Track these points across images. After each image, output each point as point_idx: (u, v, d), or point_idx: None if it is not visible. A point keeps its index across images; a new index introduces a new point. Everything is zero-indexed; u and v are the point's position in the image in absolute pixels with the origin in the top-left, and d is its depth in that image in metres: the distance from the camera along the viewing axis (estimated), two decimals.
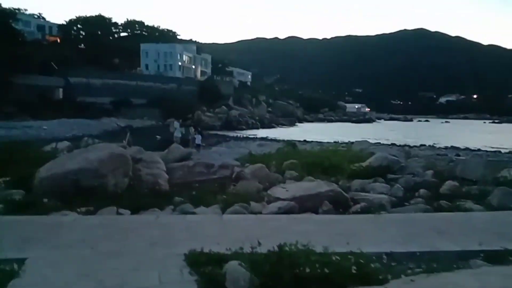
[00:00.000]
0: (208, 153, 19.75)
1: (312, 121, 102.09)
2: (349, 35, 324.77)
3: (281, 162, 14.06)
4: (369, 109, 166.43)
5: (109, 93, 61.05)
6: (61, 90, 57.70)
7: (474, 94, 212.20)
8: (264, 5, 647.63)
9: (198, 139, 22.91)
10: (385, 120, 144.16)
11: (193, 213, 7.36)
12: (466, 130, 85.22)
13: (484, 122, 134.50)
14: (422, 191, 9.03)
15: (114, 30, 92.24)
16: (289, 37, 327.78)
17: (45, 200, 7.82)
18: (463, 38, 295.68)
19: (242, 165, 13.59)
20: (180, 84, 73.25)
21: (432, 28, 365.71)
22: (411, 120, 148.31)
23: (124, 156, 9.43)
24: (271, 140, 36.53)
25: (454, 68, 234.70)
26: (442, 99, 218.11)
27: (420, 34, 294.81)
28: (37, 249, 5.11)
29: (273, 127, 72.89)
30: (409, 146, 32.14)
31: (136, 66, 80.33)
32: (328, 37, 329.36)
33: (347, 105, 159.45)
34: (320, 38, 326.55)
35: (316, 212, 7.53)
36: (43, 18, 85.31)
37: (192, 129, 27.91)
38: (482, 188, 8.88)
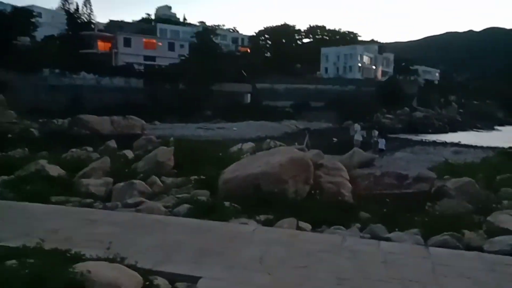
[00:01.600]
0: (393, 160, 17.68)
1: None
2: None
3: (492, 177, 11.16)
4: None
5: (291, 97, 64.13)
6: (249, 95, 63.34)
7: None
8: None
9: (382, 143, 20.94)
10: None
11: (388, 239, 5.91)
12: None
13: None
14: None
15: (297, 37, 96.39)
16: (487, 28, 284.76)
17: (227, 203, 7.60)
18: None
19: (439, 177, 11.35)
20: (359, 86, 71.22)
21: None
22: None
23: (305, 161, 8.64)
24: (469, 146, 30.87)
25: None
26: None
27: None
28: (212, 267, 4.58)
29: (466, 130, 63.63)
30: None
31: (316, 71, 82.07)
32: None
33: None
34: None
35: None
36: (237, 31, 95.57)
37: (375, 132, 25.91)
38: None
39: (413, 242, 5.77)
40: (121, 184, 8.79)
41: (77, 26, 56.82)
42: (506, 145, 33.28)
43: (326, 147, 20.65)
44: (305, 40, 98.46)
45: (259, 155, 9.69)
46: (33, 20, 49.40)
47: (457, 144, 33.06)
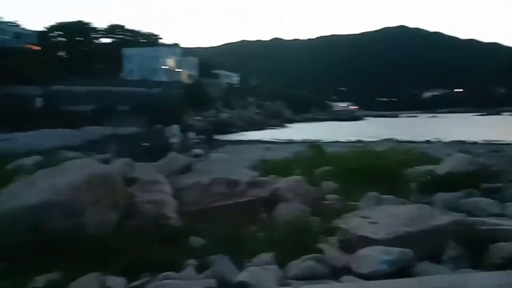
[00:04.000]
0: (210, 162, 16.58)
1: (301, 121, 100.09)
2: (332, 35, 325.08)
3: (310, 171, 11.07)
4: (356, 107, 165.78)
5: (92, 100, 57.82)
6: (40, 99, 54.00)
7: (457, 88, 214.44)
8: (246, 8, 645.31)
9: (197, 144, 19.77)
10: (372, 117, 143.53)
11: (241, 285, 4.18)
12: (459, 123, 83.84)
13: (472, 115, 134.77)
14: None
15: (95, 36, 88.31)
16: (273, 38, 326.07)
17: None
18: (442, 33, 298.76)
19: (263, 176, 10.60)
20: (166, 88, 69.87)
21: (411, 24, 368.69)
22: (397, 116, 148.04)
23: (110, 178, 6.28)
24: (279, 142, 33.15)
25: (436, 63, 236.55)
26: (427, 94, 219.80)
27: (401, 31, 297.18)
28: None
29: (263, 128, 70.22)
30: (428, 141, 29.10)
31: (120, 72, 76.84)
32: (312, 37, 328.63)
33: (335, 103, 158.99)
34: (304, 38, 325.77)
35: (438, 262, 4.56)
36: (19, 25, 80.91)
37: (191, 134, 24.63)
38: None
39: (272, 277, 4.25)
40: None
41: None
42: (294, 138, 37.89)
43: (137, 154, 18.21)
44: (105, 40, 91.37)
45: (41, 175, 6.73)
46: None
47: (265, 141, 35.34)
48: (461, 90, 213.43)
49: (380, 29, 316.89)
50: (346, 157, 12.42)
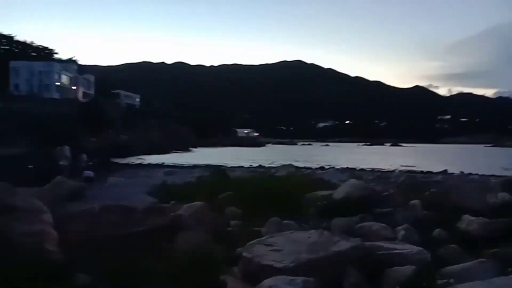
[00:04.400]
0: (106, 188, 15.31)
1: (206, 146, 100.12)
2: (234, 64, 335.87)
3: (213, 196, 10.83)
4: (257, 134, 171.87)
5: None
6: None
7: (346, 120, 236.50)
8: (150, 29, 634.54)
9: (89, 168, 18.14)
10: (272, 144, 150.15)
11: None
12: (349, 151, 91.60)
13: (358, 145, 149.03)
14: (437, 231, 6.74)
15: None
16: (176, 62, 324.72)
17: None
18: (334, 70, 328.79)
19: (162, 202, 10.06)
20: (58, 106, 64.13)
21: (308, 60, 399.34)
22: (295, 143, 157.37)
23: None
24: (181, 167, 32.13)
25: (329, 96, 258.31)
26: (321, 124, 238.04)
27: (298, 65, 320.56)
28: None
29: (167, 152, 68.36)
30: (322, 168, 31.05)
31: (4, 86, 68.63)
32: (215, 64, 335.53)
33: (238, 130, 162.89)
34: (208, 65, 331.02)
35: None
36: None
37: (83, 156, 22.57)
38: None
39: None
40: None
41: None
42: (199, 163, 37.58)
43: (19, 177, 16.07)
44: None
45: None
46: None
47: (167, 165, 34.08)
48: (350, 121, 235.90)
49: (278, 62, 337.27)
50: (249, 182, 12.44)
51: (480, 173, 31.70)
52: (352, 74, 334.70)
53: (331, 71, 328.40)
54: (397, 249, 5.21)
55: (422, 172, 32.13)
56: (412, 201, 8.55)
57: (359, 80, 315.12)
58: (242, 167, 31.40)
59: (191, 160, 43.31)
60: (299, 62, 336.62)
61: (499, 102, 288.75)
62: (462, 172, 32.01)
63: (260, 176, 14.16)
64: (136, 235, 6.57)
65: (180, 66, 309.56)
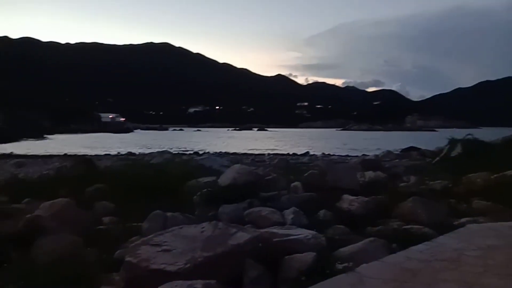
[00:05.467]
0: None
1: (64, 133, 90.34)
2: (95, 42, 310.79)
3: (79, 190, 9.44)
4: (124, 119, 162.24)
5: None
6: None
7: (217, 106, 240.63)
8: None
9: None
10: (142, 129, 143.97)
11: None
12: (222, 136, 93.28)
13: (228, 130, 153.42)
14: (322, 212, 6.84)
15: None
16: (23, 37, 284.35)
17: None
18: (203, 55, 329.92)
19: (11, 202, 8.40)
20: None
21: (176, 43, 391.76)
22: (166, 129, 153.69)
23: None
24: (37, 157, 27.37)
25: (198, 81, 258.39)
26: (192, 110, 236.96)
27: (166, 48, 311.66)
28: None
29: (16, 140, 59.58)
30: (197, 153, 30.32)
31: None
32: (72, 41, 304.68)
33: (102, 114, 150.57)
34: (63, 42, 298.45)
35: (240, 286, 4.13)
36: None
37: None
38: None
39: None
40: None
41: None
42: (63, 152, 33.52)
43: None
44: None
45: None
46: None
47: (17, 155, 28.98)
48: (220, 107, 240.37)
49: (145, 43, 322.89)
50: (121, 172, 11.22)
51: (337, 154, 35.32)
52: (220, 61, 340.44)
53: (199, 56, 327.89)
54: (292, 235, 5.02)
55: (289, 154, 34.26)
56: (294, 183, 8.66)
57: (227, 67, 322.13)
58: (109, 154, 28.79)
59: (47, 149, 38.23)
60: (166, 45, 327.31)
61: (347, 90, 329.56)
62: (323, 154, 35.16)
63: (134, 164, 12.93)
64: None
65: (28, 42, 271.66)
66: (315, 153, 35.69)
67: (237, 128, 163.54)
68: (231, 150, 38.56)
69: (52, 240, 5.58)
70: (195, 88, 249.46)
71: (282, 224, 6.42)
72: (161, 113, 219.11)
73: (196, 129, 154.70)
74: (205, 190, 8.12)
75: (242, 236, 4.55)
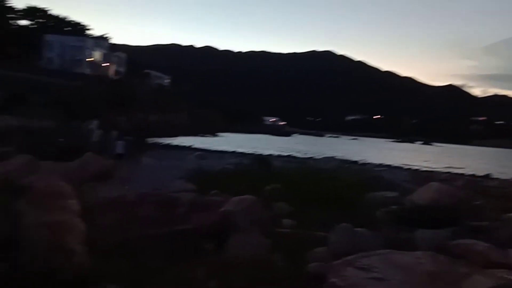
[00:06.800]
0: (136, 168, 14.22)
1: (232, 132, 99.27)
2: (263, 51, 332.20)
3: (258, 188, 9.47)
4: (284, 123, 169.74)
5: (2, 86, 50.76)
6: None
7: (375, 115, 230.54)
8: (179, 12, 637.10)
9: (120, 146, 17.15)
10: (299, 134, 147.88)
11: None
12: (381, 148, 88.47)
13: (386, 141, 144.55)
14: None
15: (12, 16, 79.02)
16: (205, 46, 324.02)
17: None
18: (365, 63, 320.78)
19: (200, 191, 8.82)
20: (89, 82, 64.19)
21: (339, 51, 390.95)
22: (322, 135, 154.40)
23: None
24: (212, 151, 30.58)
25: (359, 89, 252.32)
26: (349, 117, 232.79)
27: (328, 56, 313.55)
28: None
29: (194, 135, 67.73)
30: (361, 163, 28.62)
31: (37, 59, 69.26)
32: (243, 50, 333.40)
33: (265, 117, 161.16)
34: (236, 50, 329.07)
35: None
36: None
37: (114, 133, 21.66)
38: None
39: None
40: None
41: None
42: (226, 149, 36.37)
43: (48, 151, 15.24)
44: (23, 22, 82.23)
45: None
46: None
47: (197, 149, 32.66)
48: (379, 116, 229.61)
49: (308, 51, 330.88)
50: (294, 174, 11.02)
51: None
52: (383, 68, 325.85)
53: (361, 63, 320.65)
54: None
55: (474, 176, 29.15)
56: (508, 214, 6.92)
57: (390, 75, 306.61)
58: (272, 155, 29.76)
59: (220, 145, 42.13)
60: (329, 53, 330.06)
61: None
62: None
63: (304, 167, 12.71)
64: (178, 235, 5.26)
65: (208, 50, 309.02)
66: (499, 176, 29.99)
67: (398, 140, 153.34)
68: (397, 162, 35.07)
69: (245, 238, 5.44)
70: (354, 96, 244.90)
71: (505, 266, 5.00)
72: (318, 119, 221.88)
73: (352, 137, 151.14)
74: (395, 207, 7.11)
75: (479, 281, 3.48)
